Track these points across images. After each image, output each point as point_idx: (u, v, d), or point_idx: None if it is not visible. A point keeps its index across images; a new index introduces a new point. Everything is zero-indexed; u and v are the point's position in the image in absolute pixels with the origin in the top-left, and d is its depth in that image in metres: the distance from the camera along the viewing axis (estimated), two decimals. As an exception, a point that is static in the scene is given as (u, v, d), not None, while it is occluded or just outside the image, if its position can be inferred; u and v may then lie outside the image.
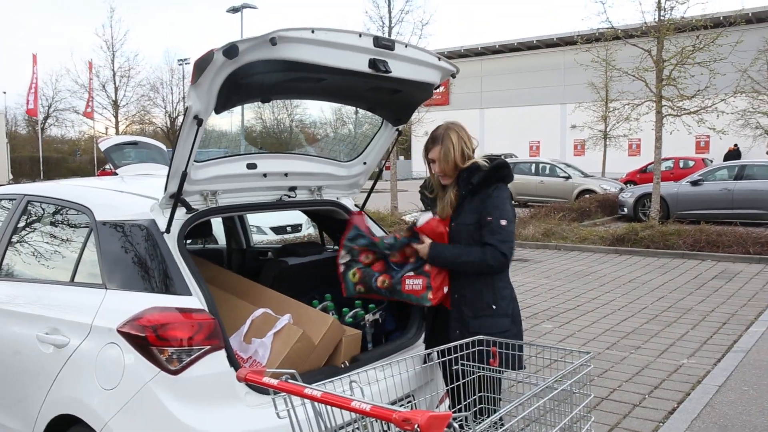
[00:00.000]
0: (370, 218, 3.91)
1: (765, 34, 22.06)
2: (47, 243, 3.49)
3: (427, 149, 3.12)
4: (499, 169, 2.96)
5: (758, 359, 5.78)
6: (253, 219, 6.20)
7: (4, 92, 66.20)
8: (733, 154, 26.02)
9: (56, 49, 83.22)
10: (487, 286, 3.01)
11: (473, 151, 3.07)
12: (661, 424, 4.48)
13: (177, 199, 2.85)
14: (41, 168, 38.99)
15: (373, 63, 2.85)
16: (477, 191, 2.97)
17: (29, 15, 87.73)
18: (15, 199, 3.78)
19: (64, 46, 74.93)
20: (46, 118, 49.54)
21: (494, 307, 3.00)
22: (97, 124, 35.64)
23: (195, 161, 2.86)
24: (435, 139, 3.03)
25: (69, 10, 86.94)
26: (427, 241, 2.99)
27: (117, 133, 31.72)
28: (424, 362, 2.91)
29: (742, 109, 21.52)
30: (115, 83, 31.57)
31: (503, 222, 2.92)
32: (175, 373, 2.55)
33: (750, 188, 15.67)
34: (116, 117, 32.05)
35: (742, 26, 15.50)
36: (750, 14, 22.17)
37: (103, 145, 7.32)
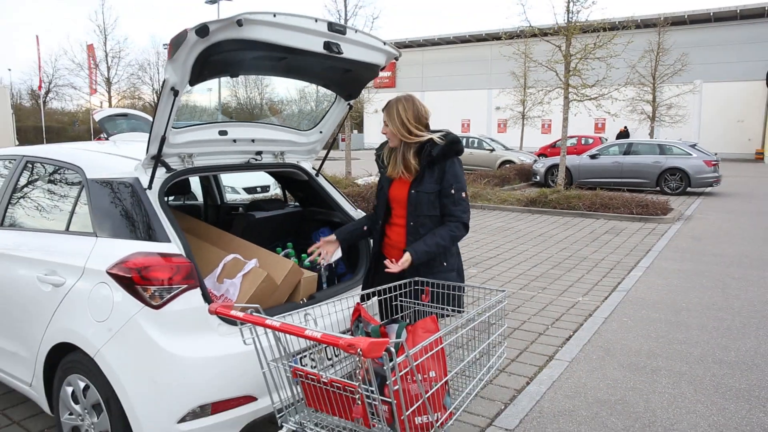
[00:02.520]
0: (327, 180, 3.85)
1: (650, 38, 22.46)
2: (45, 197, 3.32)
3: (385, 114, 2.95)
4: (454, 144, 2.81)
5: (636, 297, 6.01)
6: (227, 180, 6.05)
7: (9, 69, 62.46)
8: (623, 134, 26.66)
9: (55, 32, 78.65)
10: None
11: (428, 124, 2.89)
12: (560, 348, 4.63)
13: (157, 160, 2.74)
14: (44, 136, 37.25)
15: (327, 45, 2.77)
16: (436, 162, 2.80)
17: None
18: (15, 160, 3.59)
19: (61, 28, 70.93)
20: (47, 93, 47.13)
21: (445, 264, 2.90)
22: (92, 98, 34.07)
23: (173, 127, 2.75)
24: (387, 106, 2.90)
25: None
26: (405, 255, 2.71)
27: (110, 106, 30.39)
28: (369, 298, 2.88)
29: (631, 98, 22.01)
30: (107, 63, 30.10)
31: (463, 194, 2.82)
32: (157, 308, 2.48)
33: (635, 162, 16.16)
34: (109, 93, 30.64)
35: (632, 30, 15.73)
36: (639, 20, 22.46)
37: (98, 116, 7.00)
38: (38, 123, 40.42)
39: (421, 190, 2.81)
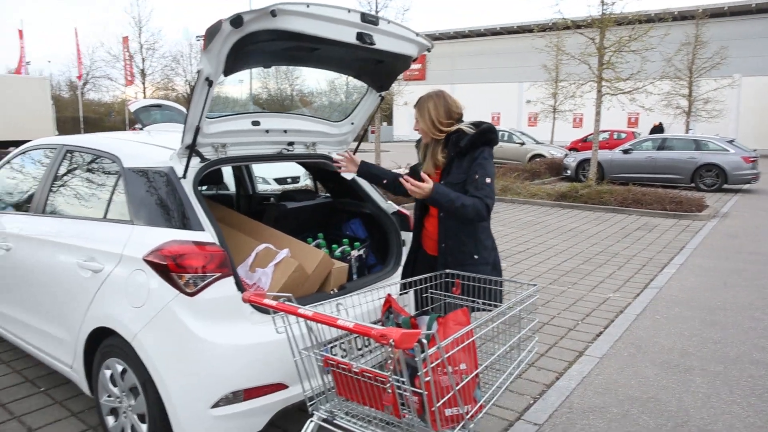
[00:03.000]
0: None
1: (687, 30, 21.81)
2: (84, 185, 3.40)
3: (416, 112, 2.95)
4: (485, 134, 2.77)
5: (668, 294, 5.88)
6: (259, 171, 6.11)
7: (49, 61, 64.13)
8: (658, 129, 26.03)
9: (92, 24, 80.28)
10: (470, 237, 2.85)
11: (460, 116, 2.90)
12: (590, 344, 4.56)
13: (191, 149, 2.78)
14: (81, 126, 38.10)
15: (359, 36, 2.76)
16: (465, 153, 2.78)
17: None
18: (56, 149, 3.68)
19: (99, 20, 72.24)
20: (84, 84, 48.20)
21: (476, 257, 2.85)
22: (127, 89, 34.71)
23: (207, 117, 2.78)
24: (418, 103, 2.91)
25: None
26: (430, 182, 2.68)
27: (144, 97, 30.96)
28: (400, 291, 2.88)
29: (666, 92, 21.46)
30: (142, 54, 30.58)
31: (488, 180, 2.75)
32: (192, 295, 2.52)
33: (669, 157, 15.77)
34: (143, 84, 31.17)
35: (669, 22, 15.30)
36: (676, 12, 21.84)
37: (133, 107, 7.14)
38: (76, 113, 41.39)
39: (448, 180, 2.81)
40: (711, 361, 4.22)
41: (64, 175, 3.56)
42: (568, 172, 17.40)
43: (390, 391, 1.91)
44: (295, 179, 9.26)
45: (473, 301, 2.84)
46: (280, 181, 8.97)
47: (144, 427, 2.69)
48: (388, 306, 2.51)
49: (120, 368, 2.76)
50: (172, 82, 46.54)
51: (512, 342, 2.64)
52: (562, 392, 3.71)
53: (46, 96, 26.71)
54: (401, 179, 2.75)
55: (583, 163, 16.85)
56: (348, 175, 3.22)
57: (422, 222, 3.05)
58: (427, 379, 1.85)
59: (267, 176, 8.67)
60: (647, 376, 3.96)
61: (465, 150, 2.77)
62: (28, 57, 37.19)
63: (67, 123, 40.86)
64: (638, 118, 31.68)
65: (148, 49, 30.86)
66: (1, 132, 21.20)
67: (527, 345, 2.74)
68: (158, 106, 7.46)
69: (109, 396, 2.90)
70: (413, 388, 1.93)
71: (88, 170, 3.43)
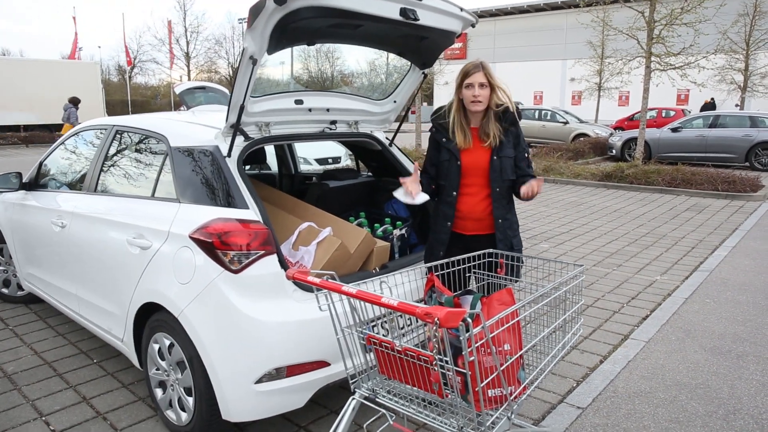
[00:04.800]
0: (400, 150, 3.81)
1: (745, 0, 20.66)
2: (133, 165, 3.48)
3: (481, 74, 2.74)
4: (519, 112, 2.85)
5: (720, 277, 5.66)
6: (300, 151, 6.13)
7: (99, 47, 65.95)
8: (709, 106, 24.91)
9: (140, 9, 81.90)
10: (513, 209, 2.98)
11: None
12: (636, 327, 4.44)
13: (236, 128, 2.79)
14: (129, 109, 39.20)
15: (403, 11, 2.70)
16: (509, 129, 2.82)
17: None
18: (107, 129, 3.77)
19: (145, 5, 73.60)
20: (132, 68, 49.40)
21: (517, 226, 3.01)
22: (173, 72, 35.46)
23: (251, 96, 2.78)
24: (484, 66, 2.74)
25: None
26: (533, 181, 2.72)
27: (189, 80, 31.52)
28: (443, 269, 2.83)
29: (720, 66, 20.44)
30: (186, 38, 31.15)
31: (530, 157, 2.93)
32: (236, 272, 2.55)
33: (722, 135, 15.08)
34: (188, 66, 31.77)
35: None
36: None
37: (178, 89, 7.24)
38: (125, 97, 42.53)
39: (503, 155, 2.80)
40: (766, 347, 4.04)
41: (115, 154, 3.64)
42: (613, 151, 16.87)
43: (436, 369, 1.88)
44: (336, 159, 9.28)
45: (516, 281, 2.78)
46: (321, 161, 9.00)
47: (190, 400, 2.76)
48: (431, 285, 2.48)
49: (168, 342, 2.83)
50: (215, 64, 47.23)
51: (557, 324, 2.58)
52: (606, 376, 3.63)
53: (96, 80, 27.49)
54: (522, 192, 2.73)
55: (629, 142, 16.30)
56: (420, 198, 2.77)
57: (451, 204, 2.88)
58: (471, 359, 1.82)
59: (308, 156, 8.71)
60: (697, 361, 3.83)
61: (510, 126, 2.81)
62: (81, 43, 38.25)
63: (116, 106, 42.09)
64: (688, 95, 30.36)
65: (192, 32, 31.36)
66: (55, 115, 22.00)
67: (572, 327, 2.67)
68: (202, 88, 7.54)
69: (157, 369, 2.99)
70: (456, 368, 1.90)
71: (137, 150, 3.50)
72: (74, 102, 16.38)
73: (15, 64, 26.81)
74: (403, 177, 2.77)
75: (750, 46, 20.61)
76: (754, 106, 24.55)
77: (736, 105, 22.31)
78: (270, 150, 5.17)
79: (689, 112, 23.22)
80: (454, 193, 2.87)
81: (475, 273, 2.81)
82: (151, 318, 2.94)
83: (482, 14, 39.86)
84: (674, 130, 15.80)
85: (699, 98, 27.11)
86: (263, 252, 2.58)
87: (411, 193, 2.71)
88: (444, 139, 2.88)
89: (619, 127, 23.21)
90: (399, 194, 2.75)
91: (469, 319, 1.69)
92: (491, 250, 2.80)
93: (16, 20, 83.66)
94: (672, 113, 23.27)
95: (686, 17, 12.56)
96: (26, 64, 26.59)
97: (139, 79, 54.31)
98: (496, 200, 2.84)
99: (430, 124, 3.01)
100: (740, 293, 5.18)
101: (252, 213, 2.66)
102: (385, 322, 2.75)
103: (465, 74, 2.76)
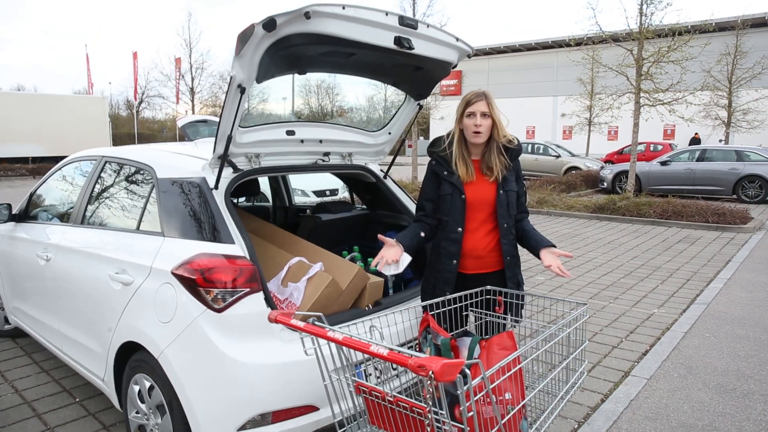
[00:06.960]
0: (395, 183, 3.62)
1: (727, 41, 20.89)
2: (120, 196, 3.28)
3: (483, 103, 2.54)
4: (519, 146, 2.69)
5: (718, 310, 5.43)
6: (297, 183, 5.95)
7: (110, 83, 66.55)
8: (696, 140, 25.02)
9: (148, 46, 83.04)
10: (517, 245, 2.75)
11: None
12: (636, 363, 4.19)
13: (224, 159, 2.60)
14: (136, 143, 39.34)
15: (398, 40, 2.53)
16: (511, 161, 2.65)
17: (130, 18, 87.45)
18: (96, 160, 3.58)
19: (152, 42, 74.67)
20: (140, 103, 49.75)
21: (520, 262, 2.80)
22: (178, 107, 35.56)
23: (240, 126, 2.59)
24: (486, 95, 2.54)
25: (157, 12, 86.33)
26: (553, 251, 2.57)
27: (193, 114, 31.59)
28: (439, 308, 2.60)
29: (705, 103, 20.55)
30: (191, 74, 31.24)
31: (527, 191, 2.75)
32: (219, 311, 2.32)
33: (709, 168, 15.01)
34: (192, 101, 31.83)
35: (709, 33, 14.59)
36: (715, 24, 20.96)
37: (180, 122, 7.11)
38: (132, 130, 42.69)
39: (509, 189, 2.61)
40: (771, 385, 3.80)
41: (101, 185, 3.44)
42: (605, 184, 16.77)
43: (429, 425, 1.65)
44: (334, 192, 9.10)
45: (516, 321, 2.56)
46: (319, 193, 8.82)
47: (171, 447, 2.50)
48: (426, 325, 2.26)
49: (148, 384, 2.59)
50: (219, 99, 47.57)
51: (562, 366, 2.35)
52: (608, 416, 3.37)
53: (104, 114, 27.58)
54: (549, 269, 2.49)
55: (620, 175, 16.22)
56: (404, 262, 2.51)
57: (455, 241, 2.59)
58: (470, 414, 1.59)
59: (306, 188, 8.53)
60: (702, 400, 3.57)
61: (512, 160, 2.64)
62: (93, 79, 38.67)
63: (123, 139, 42.19)
64: (674, 130, 30.50)
65: (197, 68, 31.56)
66: (62, 147, 21.94)
67: (578, 368, 2.44)
68: (204, 121, 7.44)
69: (137, 412, 2.73)
70: (453, 423, 1.67)
71: (124, 181, 3.30)
72: None
73: (26, 98, 26.92)
74: (397, 210, 2.57)
75: (732, 84, 20.77)
76: (738, 141, 24.61)
77: (720, 140, 22.38)
78: (264, 182, 4.98)
79: (676, 146, 23.29)
80: (460, 229, 2.57)
81: (473, 311, 2.59)
82: (132, 357, 2.70)
83: (476, 53, 40.29)
84: (663, 163, 15.73)
85: (685, 133, 27.25)
86: (248, 290, 2.36)
87: (395, 262, 2.46)
88: (445, 172, 2.61)
89: (609, 160, 23.20)
90: (386, 270, 2.46)
91: (468, 371, 1.47)
92: (489, 287, 2.58)
93: (31, 57, 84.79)
94: (660, 147, 23.34)
95: (673, 55, 12.60)
96: (36, 99, 26.70)
97: (146, 113, 54.70)
98: (504, 236, 2.59)
99: (427, 156, 2.78)
100: (739, 327, 4.94)
101: (238, 248, 2.45)
102: (378, 362, 2.52)
103: (467, 103, 2.54)
